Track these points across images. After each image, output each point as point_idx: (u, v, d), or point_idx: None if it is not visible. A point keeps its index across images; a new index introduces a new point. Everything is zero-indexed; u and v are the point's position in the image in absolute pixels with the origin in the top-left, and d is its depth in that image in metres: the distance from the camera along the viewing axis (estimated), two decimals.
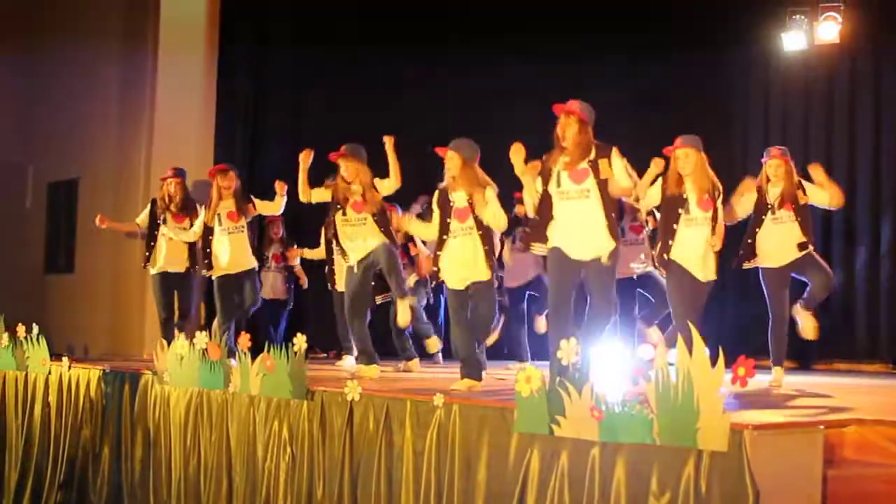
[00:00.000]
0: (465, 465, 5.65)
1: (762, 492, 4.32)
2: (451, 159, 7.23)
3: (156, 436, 7.81)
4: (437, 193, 7.41)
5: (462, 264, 7.19)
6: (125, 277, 12.25)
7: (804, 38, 12.01)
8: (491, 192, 7.19)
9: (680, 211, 7.49)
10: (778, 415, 5.37)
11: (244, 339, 7.09)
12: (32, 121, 14.33)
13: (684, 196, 7.45)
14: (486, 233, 7.18)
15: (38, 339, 9.08)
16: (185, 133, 12.13)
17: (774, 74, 12.69)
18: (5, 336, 9.39)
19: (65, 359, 8.91)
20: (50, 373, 8.95)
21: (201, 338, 7.41)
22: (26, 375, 9.18)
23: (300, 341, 6.66)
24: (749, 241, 8.13)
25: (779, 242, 8.05)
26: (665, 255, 7.58)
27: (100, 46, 13.08)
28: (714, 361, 4.51)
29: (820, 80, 12.39)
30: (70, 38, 13.67)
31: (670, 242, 7.54)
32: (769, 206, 8.05)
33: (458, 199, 7.21)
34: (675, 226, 7.50)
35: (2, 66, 14.32)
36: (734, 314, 11.77)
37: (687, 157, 7.40)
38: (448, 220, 7.25)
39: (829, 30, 11.79)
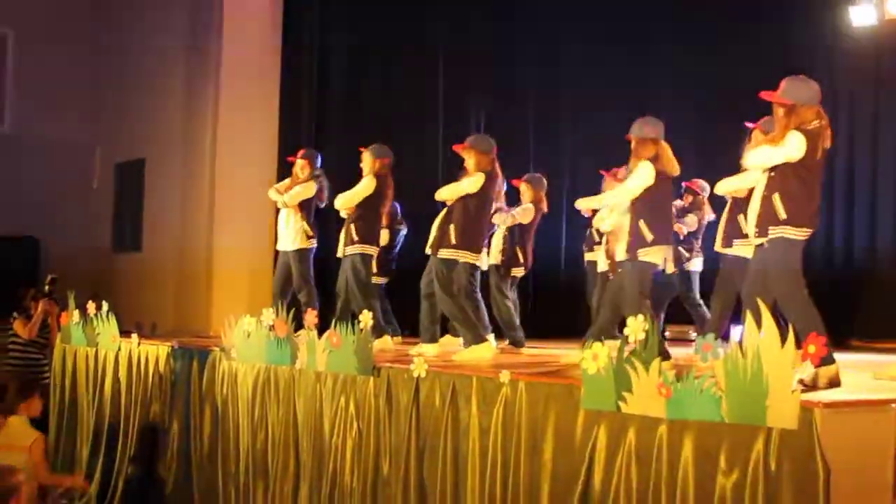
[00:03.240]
0: (532, 442, 5.66)
1: (833, 470, 4.29)
2: None
3: (224, 411, 7.89)
4: None
5: None
6: (192, 255, 12.39)
7: (874, 12, 11.51)
8: None
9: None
10: (848, 393, 5.32)
11: (311, 316, 7.15)
12: (100, 102, 14.51)
13: None
14: None
15: (107, 317, 9.20)
16: (250, 114, 12.21)
17: (841, 52, 12.31)
18: (76, 313, 9.51)
19: (134, 335, 9.02)
20: (120, 349, 9.06)
21: (268, 314, 7.47)
22: (97, 352, 9.31)
23: (366, 318, 6.70)
24: None
25: None
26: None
27: (166, 29, 13.20)
28: (784, 339, 4.48)
29: (890, 56, 12.04)
30: (137, 21, 13.83)
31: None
32: None
33: None
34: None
35: (70, 48, 14.50)
36: None
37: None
38: None
39: None
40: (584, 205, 10.12)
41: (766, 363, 4.51)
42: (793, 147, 5.93)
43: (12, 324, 9.86)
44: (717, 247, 8.09)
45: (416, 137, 12.36)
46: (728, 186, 7.69)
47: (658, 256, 7.25)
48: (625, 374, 5.12)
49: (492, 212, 8.55)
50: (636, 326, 5.07)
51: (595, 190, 10.04)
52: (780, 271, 6.01)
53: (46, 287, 10.16)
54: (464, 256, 8.06)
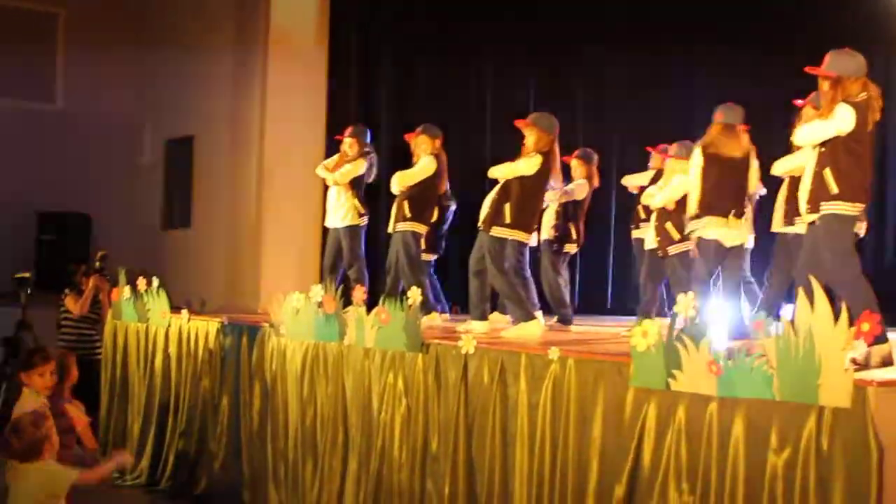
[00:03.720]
0: (580, 419, 5.65)
1: (886, 449, 4.25)
2: None
3: (273, 387, 7.94)
4: None
5: None
6: (241, 232, 12.45)
7: None
8: None
9: None
10: None
11: (360, 293, 7.17)
12: (149, 80, 14.60)
13: None
14: None
15: (158, 293, 9.27)
16: (298, 91, 12.23)
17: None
18: (127, 289, 9.58)
19: (184, 311, 9.07)
20: (170, 325, 9.13)
21: (317, 291, 7.50)
22: (147, 328, 9.38)
23: (415, 295, 6.71)
24: None
25: None
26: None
27: (214, 6, 13.25)
28: (837, 317, 4.45)
29: None
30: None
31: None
32: None
33: None
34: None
35: (120, 25, 14.60)
36: None
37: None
38: None
39: None
40: (630, 182, 10.09)
41: (818, 341, 4.48)
42: (841, 119, 5.86)
43: (64, 300, 9.96)
44: (776, 226, 8.02)
45: (464, 114, 12.34)
46: (784, 166, 7.64)
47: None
48: (675, 351, 5.10)
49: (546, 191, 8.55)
50: (686, 303, 5.04)
51: (642, 167, 9.99)
52: (833, 248, 5.95)
53: (97, 263, 10.25)
54: (516, 235, 8.06)
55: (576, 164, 9.69)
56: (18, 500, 4.96)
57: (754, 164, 7.95)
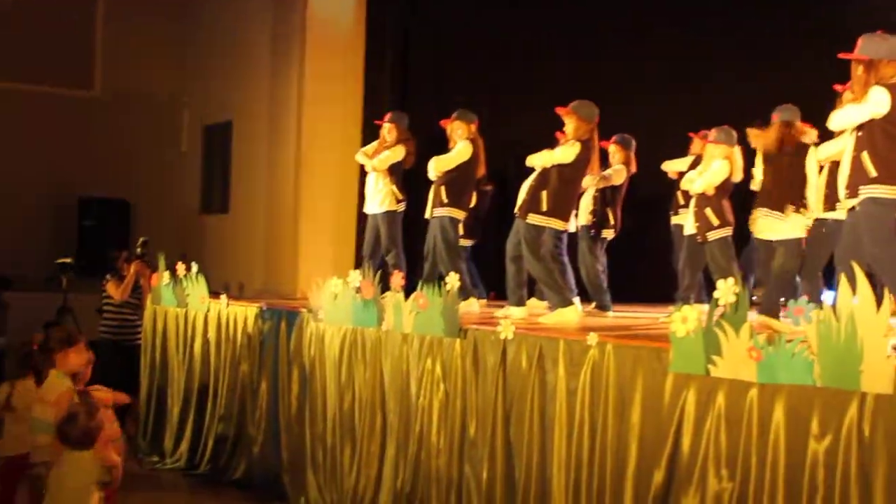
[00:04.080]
0: (619, 405, 5.64)
1: None
2: None
3: (311, 372, 7.96)
4: None
5: None
6: (279, 218, 12.50)
7: None
8: None
9: None
10: None
11: (398, 278, 7.19)
12: (188, 65, 14.68)
13: None
14: None
15: (197, 278, 9.32)
16: (336, 76, 12.25)
17: None
18: (166, 274, 9.65)
19: (223, 296, 9.12)
20: (209, 310, 9.18)
21: (355, 276, 7.52)
22: (186, 312, 9.44)
23: (453, 280, 6.72)
24: None
25: None
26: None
27: None
28: (879, 303, 4.41)
29: None
30: None
31: None
32: None
33: None
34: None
35: (158, 11, 14.67)
36: None
37: None
38: None
39: None
40: (670, 167, 10.03)
41: (860, 327, 4.44)
42: (876, 102, 5.82)
43: (105, 286, 10.03)
44: (817, 212, 7.98)
45: (501, 99, 12.29)
46: (826, 152, 7.60)
47: None
48: (714, 337, 5.08)
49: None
50: (726, 289, 5.02)
51: (681, 152, 9.94)
52: (873, 232, 5.90)
53: (138, 249, 10.31)
54: (552, 223, 8.06)
55: (614, 150, 9.67)
56: (66, 486, 5.03)
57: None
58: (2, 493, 6.45)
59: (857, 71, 6.00)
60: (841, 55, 6.06)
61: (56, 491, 5.10)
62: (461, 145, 9.00)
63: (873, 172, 5.85)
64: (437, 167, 9.04)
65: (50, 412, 5.87)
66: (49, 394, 6.08)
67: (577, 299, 8.62)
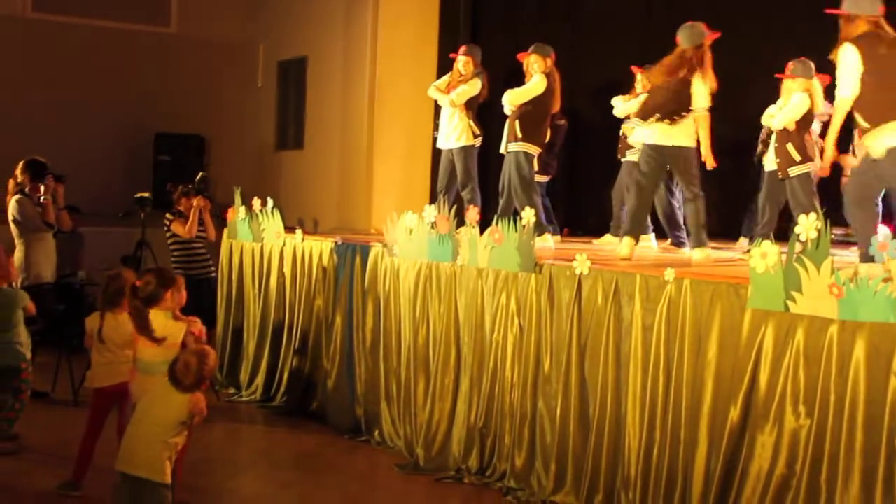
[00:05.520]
0: (696, 341, 5.61)
1: None
2: None
3: (386, 306, 8.00)
4: None
5: None
6: (353, 153, 12.51)
7: None
8: None
9: None
10: None
11: (473, 213, 7.17)
12: (263, 1, 14.67)
13: None
14: None
15: (272, 212, 9.37)
16: (410, 11, 12.18)
17: None
18: (242, 209, 9.71)
19: (298, 231, 9.15)
20: (284, 245, 9.23)
21: (430, 211, 7.51)
22: (262, 247, 9.50)
23: (529, 215, 6.69)
24: None
25: None
26: None
27: None
28: None
29: None
30: None
31: None
32: None
33: None
34: None
35: None
36: None
37: None
38: None
39: None
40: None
41: None
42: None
43: (170, 226, 10.04)
44: None
45: (574, 36, 12.12)
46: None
47: None
48: (794, 273, 5.01)
49: None
50: (808, 225, 4.94)
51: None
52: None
53: (197, 184, 10.27)
54: None
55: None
56: (153, 419, 5.12)
57: None
58: (92, 422, 6.59)
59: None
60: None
61: (142, 422, 5.18)
62: (536, 79, 8.93)
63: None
64: (511, 100, 8.98)
65: (159, 353, 5.94)
66: (158, 333, 6.13)
67: (652, 235, 8.54)
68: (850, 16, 6.23)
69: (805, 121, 8.05)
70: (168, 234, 10.04)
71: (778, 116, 8.15)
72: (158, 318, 5.98)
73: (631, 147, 9.68)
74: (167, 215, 10.08)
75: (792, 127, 8.03)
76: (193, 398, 5.09)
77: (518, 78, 9.18)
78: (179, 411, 5.10)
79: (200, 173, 10.71)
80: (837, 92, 6.17)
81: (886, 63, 6.05)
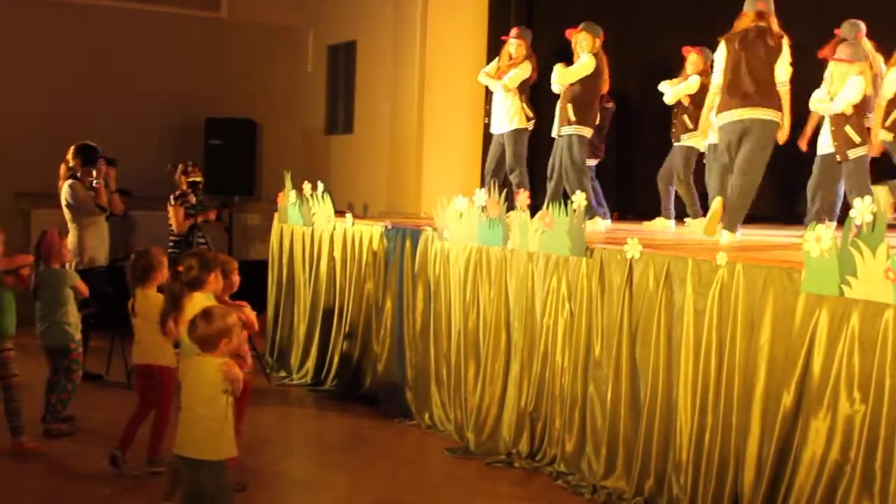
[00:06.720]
0: (748, 326, 5.56)
1: None
2: None
3: (436, 290, 8.00)
4: None
5: None
6: (403, 138, 12.51)
7: None
8: None
9: None
10: None
11: (523, 197, 7.15)
12: None
13: None
14: None
15: (322, 197, 9.39)
16: None
17: None
18: (293, 193, 9.75)
19: (348, 215, 9.18)
20: (334, 229, 9.26)
21: (480, 195, 7.50)
22: (312, 231, 9.54)
23: (580, 199, 6.65)
24: None
25: None
26: None
27: None
28: None
29: None
30: None
31: None
32: None
33: None
34: None
35: None
36: None
37: None
38: None
39: None
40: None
41: None
42: None
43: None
44: None
45: (624, 19, 12.03)
46: None
47: None
48: (849, 257, 4.95)
49: None
50: (864, 208, 4.88)
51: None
52: None
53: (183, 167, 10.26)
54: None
55: None
56: (200, 394, 5.12)
57: None
58: (142, 397, 6.67)
59: None
60: None
61: (188, 403, 5.20)
62: (585, 58, 8.89)
63: None
64: (560, 78, 8.96)
65: None
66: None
67: (701, 218, 8.48)
68: None
69: (863, 102, 7.97)
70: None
71: (837, 101, 8.05)
72: (201, 301, 6.00)
73: (688, 130, 9.60)
74: (170, 199, 10.13)
75: (850, 111, 7.96)
76: (225, 364, 5.07)
77: (567, 60, 9.14)
78: (215, 379, 5.04)
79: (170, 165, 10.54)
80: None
81: None
